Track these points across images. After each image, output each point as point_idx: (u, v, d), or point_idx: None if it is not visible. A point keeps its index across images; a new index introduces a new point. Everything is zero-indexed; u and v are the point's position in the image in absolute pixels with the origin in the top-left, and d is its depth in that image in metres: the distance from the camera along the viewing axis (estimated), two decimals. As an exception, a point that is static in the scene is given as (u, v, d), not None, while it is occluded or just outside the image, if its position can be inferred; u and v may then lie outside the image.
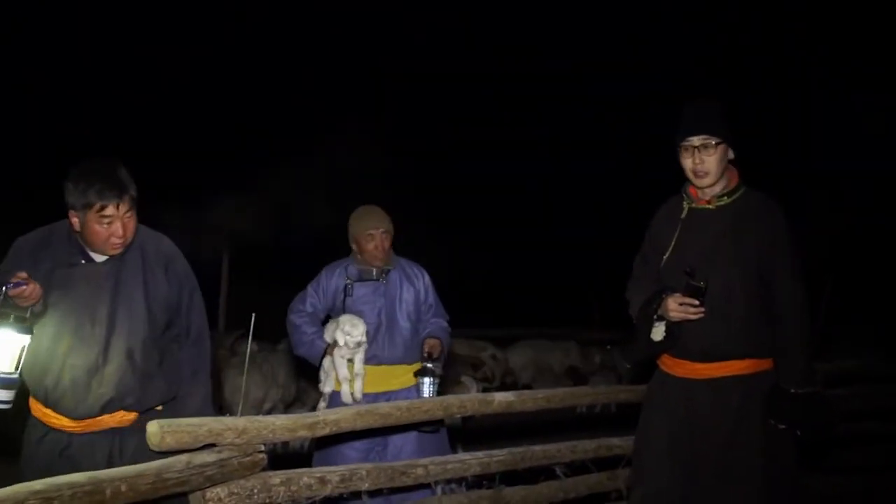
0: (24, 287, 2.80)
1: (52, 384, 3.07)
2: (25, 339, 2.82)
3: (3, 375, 2.81)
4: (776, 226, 3.44)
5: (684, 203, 3.63)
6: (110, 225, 3.04)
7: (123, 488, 2.63)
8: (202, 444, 3.03)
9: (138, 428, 3.07)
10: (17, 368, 2.82)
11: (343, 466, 3.60)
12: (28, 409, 3.22)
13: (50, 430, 3.14)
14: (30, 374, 3.04)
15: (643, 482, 3.71)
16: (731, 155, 3.52)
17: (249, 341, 3.13)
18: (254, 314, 3.07)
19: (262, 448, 3.21)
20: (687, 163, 3.51)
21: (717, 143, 3.44)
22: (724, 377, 3.47)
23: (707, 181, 3.50)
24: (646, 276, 3.77)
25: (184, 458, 2.93)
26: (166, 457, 2.91)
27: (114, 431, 3.19)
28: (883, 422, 6.35)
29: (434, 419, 4.00)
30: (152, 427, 2.91)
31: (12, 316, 2.77)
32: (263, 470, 3.24)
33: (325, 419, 3.41)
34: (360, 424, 3.55)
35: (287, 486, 3.29)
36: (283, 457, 6.96)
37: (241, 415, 3.24)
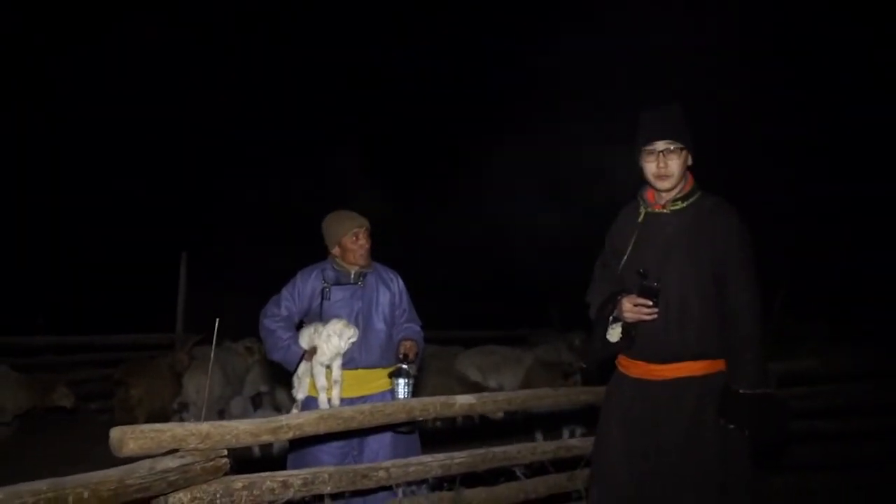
0: None
1: None
2: None
3: None
4: (729, 228, 3.49)
5: (641, 208, 3.70)
6: None
7: (86, 495, 2.63)
8: (165, 450, 3.04)
9: None
10: None
11: (306, 470, 3.61)
12: None
13: None
14: None
15: (601, 481, 3.75)
16: (689, 161, 3.59)
17: (213, 347, 3.13)
18: (217, 319, 3.07)
19: (225, 453, 3.23)
20: (650, 167, 3.58)
21: (680, 149, 3.54)
22: (679, 378, 3.52)
23: (668, 184, 3.57)
24: (605, 279, 3.82)
25: (146, 463, 2.94)
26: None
27: None
28: (841, 421, 6.50)
29: (397, 422, 4.02)
30: (115, 433, 2.92)
31: None
32: (226, 474, 3.25)
33: (288, 423, 3.42)
34: (323, 428, 3.57)
35: (250, 491, 3.31)
36: (256, 461, 7.01)
37: (204, 419, 3.24)
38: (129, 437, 2.92)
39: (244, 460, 4.55)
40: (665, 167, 3.54)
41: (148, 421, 7.33)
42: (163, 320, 10.94)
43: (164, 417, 7.41)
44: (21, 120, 16.68)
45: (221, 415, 8.46)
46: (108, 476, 2.74)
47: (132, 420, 7.32)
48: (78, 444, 7.52)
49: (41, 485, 2.54)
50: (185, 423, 3.13)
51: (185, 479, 3.04)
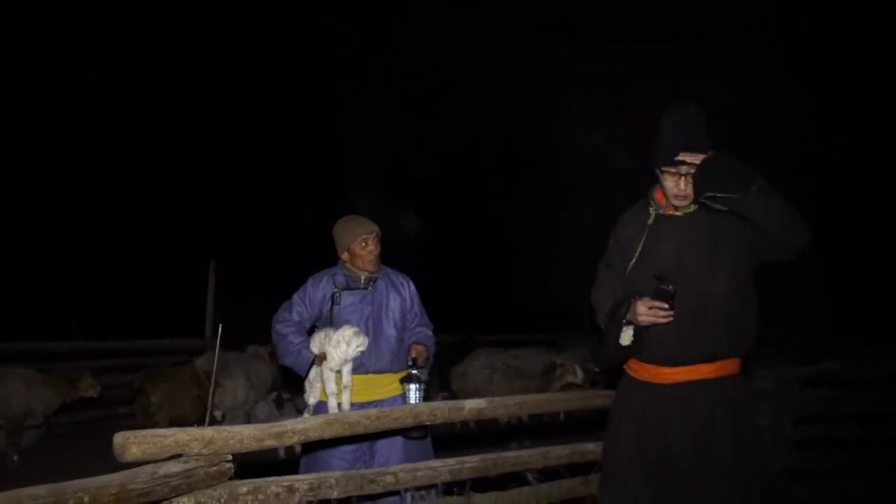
0: None
1: None
2: None
3: None
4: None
5: (650, 209, 3.63)
6: None
7: (87, 500, 2.65)
8: (169, 455, 3.06)
9: None
10: None
11: (312, 475, 3.62)
12: None
13: None
14: None
15: (613, 486, 3.71)
16: None
17: (216, 355, 3.15)
18: (220, 325, 3.10)
19: (230, 458, 3.24)
20: (670, 185, 3.48)
21: None
22: (690, 381, 3.48)
23: (686, 202, 3.50)
24: (611, 282, 3.76)
25: (149, 468, 2.96)
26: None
27: None
28: (865, 426, 6.37)
29: (405, 427, 4.01)
30: (118, 438, 2.95)
31: None
32: (231, 479, 3.26)
33: (292, 428, 3.43)
34: (328, 433, 3.57)
35: (254, 495, 3.32)
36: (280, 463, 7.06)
37: (209, 424, 3.27)
38: (131, 442, 2.95)
39: (266, 463, 4.58)
40: (685, 188, 3.45)
41: (171, 427, 7.40)
42: (194, 326, 11.09)
43: (187, 424, 7.47)
44: (53, 124, 17.00)
45: (248, 418, 8.56)
46: (110, 481, 2.77)
47: (153, 426, 7.40)
48: (103, 448, 7.61)
49: (40, 489, 2.56)
50: (189, 428, 3.15)
51: (188, 484, 3.06)
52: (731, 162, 3.22)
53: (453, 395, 8.88)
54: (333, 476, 3.62)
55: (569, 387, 7.73)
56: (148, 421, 7.26)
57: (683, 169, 3.42)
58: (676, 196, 3.49)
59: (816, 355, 7.28)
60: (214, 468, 3.17)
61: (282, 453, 7.60)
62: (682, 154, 3.37)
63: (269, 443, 3.36)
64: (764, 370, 5.81)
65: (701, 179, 3.26)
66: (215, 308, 10.95)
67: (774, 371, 5.74)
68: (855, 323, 11.19)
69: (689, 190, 3.44)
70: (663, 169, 3.48)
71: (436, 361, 9.93)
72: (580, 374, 7.81)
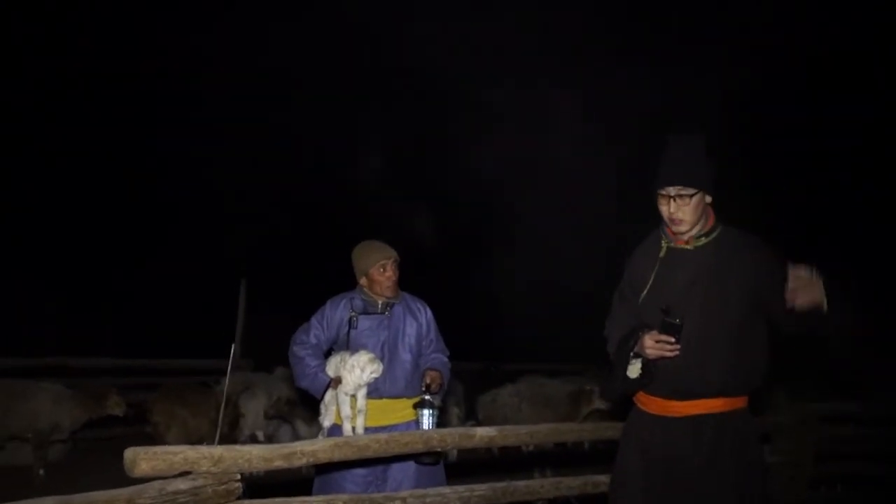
0: None
1: None
2: None
3: None
4: (761, 255, 3.45)
5: (662, 242, 3.63)
6: None
7: (93, 513, 2.72)
8: (178, 472, 3.12)
9: None
10: None
11: (321, 496, 3.66)
12: None
13: None
14: None
15: None
16: (708, 199, 3.52)
17: (228, 373, 3.21)
18: (233, 345, 3.16)
19: (238, 477, 3.29)
20: (663, 210, 3.51)
21: (693, 194, 3.44)
22: (697, 415, 3.47)
23: (683, 228, 3.50)
24: (623, 313, 3.78)
25: (157, 484, 3.01)
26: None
27: None
28: (886, 465, 6.28)
29: (415, 452, 4.03)
30: (128, 453, 3.02)
31: None
32: (239, 498, 3.31)
33: (301, 450, 3.47)
34: (337, 456, 3.60)
35: (262, 515, 3.36)
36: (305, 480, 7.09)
37: (219, 443, 3.32)
38: (141, 458, 3.00)
39: (283, 483, 4.64)
40: (677, 211, 3.47)
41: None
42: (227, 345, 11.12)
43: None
44: (93, 141, 17.30)
45: (270, 439, 8.61)
46: (117, 495, 2.83)
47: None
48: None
49: (49, 501, 2.63)
50: (198, 447, 3.21)
51: (195, 502, 3.10)
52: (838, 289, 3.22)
53: (480, 424, 8.84)
54: (342, 499, 3.65)
55: (595, 413, 7.72)
56: (160, 441, 7.32)
57: (672, 191, 3.45)
58: (671, 221, 3.51)
59: (844, 392, 7.20)
60: (223, 487, 3.22)
61: (304, 472, 7.62)
62: (671, 186, 3.44)
63: (278, 463, 3.40)
64: (785, 405, 5.77)
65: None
66: (246, 327, 11.05)
67: (794, 406, 5.69)
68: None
69: (681, 214, 3.47)
70: (658, 193, 3.52)
71: (460, 390, 9.88)
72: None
